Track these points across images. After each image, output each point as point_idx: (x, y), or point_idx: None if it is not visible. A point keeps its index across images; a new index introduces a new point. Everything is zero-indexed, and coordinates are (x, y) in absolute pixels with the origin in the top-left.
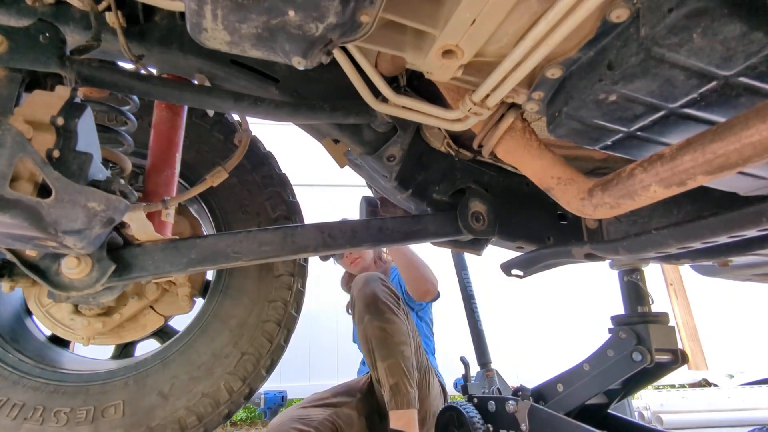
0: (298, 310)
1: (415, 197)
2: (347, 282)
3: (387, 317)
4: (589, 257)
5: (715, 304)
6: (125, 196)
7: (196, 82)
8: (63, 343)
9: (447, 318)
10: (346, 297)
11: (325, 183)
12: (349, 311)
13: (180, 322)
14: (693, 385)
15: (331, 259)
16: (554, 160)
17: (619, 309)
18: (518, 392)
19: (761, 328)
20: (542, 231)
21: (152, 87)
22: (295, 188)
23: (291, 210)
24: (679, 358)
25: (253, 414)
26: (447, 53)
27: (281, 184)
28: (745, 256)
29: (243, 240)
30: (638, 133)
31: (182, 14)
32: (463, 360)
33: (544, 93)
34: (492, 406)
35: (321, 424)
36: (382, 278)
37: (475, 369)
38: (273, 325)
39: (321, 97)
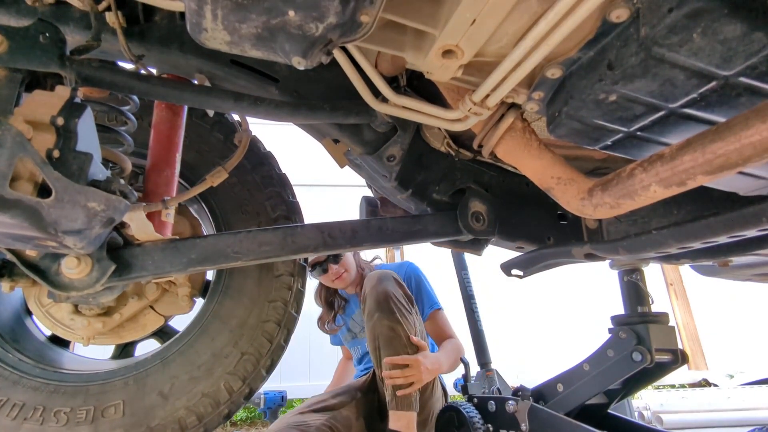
0: (298, 310)
1: (415, 197)
2: (320, 295)
3: (397, 317)
4: (589, 257)
5: (715, 304)
6: (125, 196)
7: (196, 82)
8: (63, 343)
9: (447, 318)
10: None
11: (325, 183)
12: (318, 302)
13: (180, 322)
14: (693, 385)
15: (310, 273)
16: (554, 160)
17: (619, 309)
18: (518, 392)
19: (761, 328)
20: (542, 231)
21: (152, 87)
22: (295, 188)
23: (291, 210)
24: (679, 358)
25: (253, 414)
26: (447, 53)
27: (281, 184)
28: (745, 256)
29: (243, 240)
30: (638, 133)
31: (182, 14)
32: (463, 360)
33: (544, 93)
34: (492, 406)
35: (318, 430)
36: (396, 277)
37: (475, 369)
38: (273, 325)
39: (321, 97)
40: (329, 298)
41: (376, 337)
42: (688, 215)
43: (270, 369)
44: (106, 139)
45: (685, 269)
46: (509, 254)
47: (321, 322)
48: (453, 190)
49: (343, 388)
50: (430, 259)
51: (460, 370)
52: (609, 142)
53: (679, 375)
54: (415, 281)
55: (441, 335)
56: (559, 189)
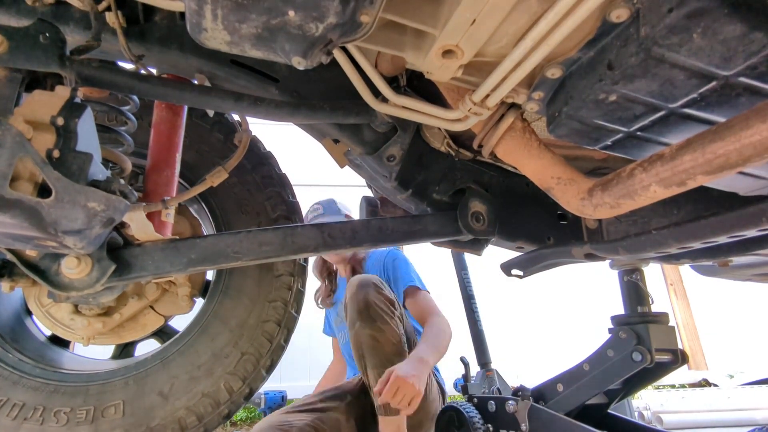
0: (298, 310)
1: (415, 197)
2: (319, 267)
3: (378, 326)
4: (589, 257)
5: (715, 304)
6: (125, 196)
7: (196, 82)
8: (63, 343)
9: (447, 318)
10: None
11: (325, 183)
12: (315, 274)
13: (180, 322)
14: (693, 385)
15: None
16: (554, 160)
17: (619, 309)
18: (518, 392)
19: (761, 328)
20: (542, 231)
21: (152, 87)
22: (295, 188)
23: (291, 210)
24: (679, 358)
25: (253, 414)
26: (447, 53)
27: (281, 184)
28: (745, 256)
29: (243, 240)
30: (638, 133)
31: (182, 14)
32: (463, 360)
33: (544, 93)
34: (492, 406)
35: (301, 431)
36: (377, 283)
37: (475, 369)
38: (273, 325)
39: (321, 97)
40: (328, 269)
41: (360, 346)
42: (688, 215)
43: (270, 369)
44: (106, 139)
45: (685, 269)
46: (509, 254)
47: (317, 295)
48: (453, 190)
49: (334, 390)
50: (430, 259)
51: (461, 370)
52: (609, 142)
53: (679, 375)
54: (392, 265)
55: (422, 315)
56: (559, 189)
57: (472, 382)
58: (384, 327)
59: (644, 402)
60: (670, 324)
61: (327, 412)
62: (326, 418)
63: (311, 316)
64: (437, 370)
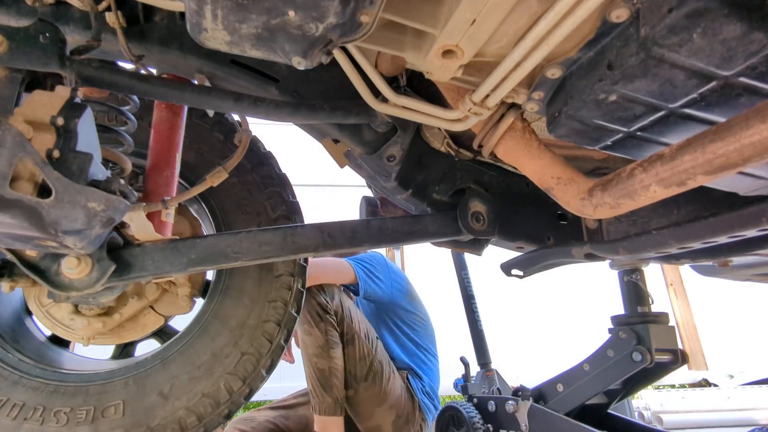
0: (298, 310)
1: (415, 197)
2: None
3: (304, 328)
4: (589, 257)
5: (715, 304)
6: (125, 196)
7: (196, 82)
8: (63, 343)
9: (447, 318)
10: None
11: (325, 183)
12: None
13: (180, 322)
14: (693, 385)
15: None
16: (554, 160)
17: (619, 309)
18: (518, 392)
19: (761, 328)
20: (542, 231)
21: (152, 87)
22: (295, 188)
23: (291, 210)
24: (679, 358)
25: None
26: (447, 53)
27: (281, 184)
28: (745, 256)
29: (243, 240)
30: (638, 133)
31: (182, 14)
32: (463, 360)
33: (544, 93)
34: (492, 406)
35: (260, 425)
36: (314, 289)
37: (475, 369)
38: (273, 325)
39: (321, 97)
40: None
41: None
42: (688, 215)
43: (270, 369)
44: (106, 139)
45: (685, 269)
46: (509, 254)
47: None
48: (453, 190)
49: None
50: (430, 259)
51: (461, 370)
52: (609, 142)
53: (679, 375)
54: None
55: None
56: (559, 189)
57: (472, 382)
58: (308, 330)
59: (644, 402)
60: (670, 324)
61: (295, 409)
62: (293, 414)
63: None
64: (413, 379)
